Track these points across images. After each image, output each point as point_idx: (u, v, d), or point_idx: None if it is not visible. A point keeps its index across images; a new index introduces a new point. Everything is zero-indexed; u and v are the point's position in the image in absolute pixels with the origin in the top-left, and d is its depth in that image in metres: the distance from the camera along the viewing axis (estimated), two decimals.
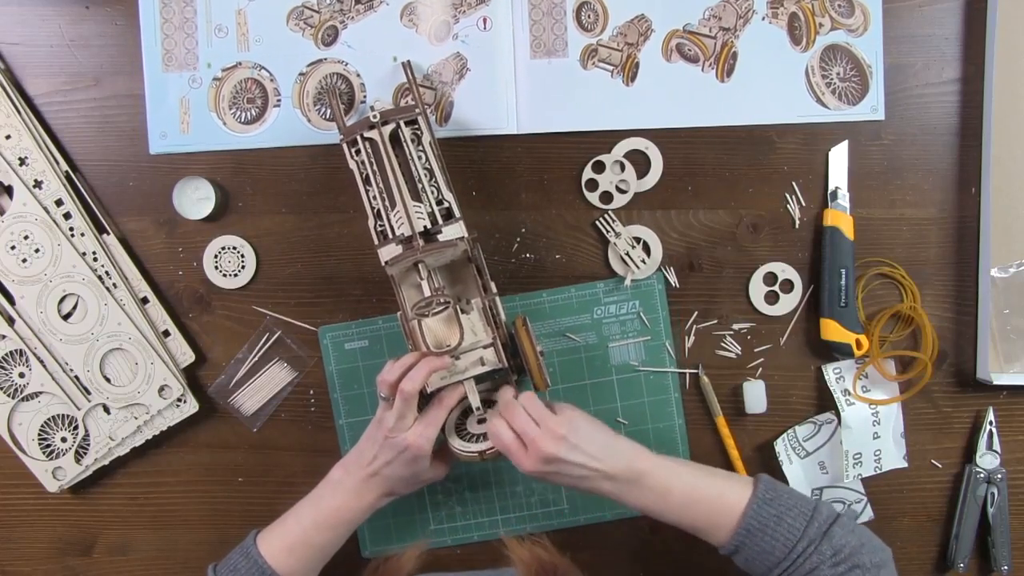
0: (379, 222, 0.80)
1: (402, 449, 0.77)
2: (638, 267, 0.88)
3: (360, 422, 0.90)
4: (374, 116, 0.79)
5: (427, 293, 0.78)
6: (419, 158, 0.80)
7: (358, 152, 0.80)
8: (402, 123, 0.79)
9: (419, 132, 0.80)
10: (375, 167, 0.80)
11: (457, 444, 0.80)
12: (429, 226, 0.78)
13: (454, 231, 0.79)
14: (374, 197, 0.80)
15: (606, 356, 0.89)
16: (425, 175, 0.80)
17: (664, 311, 0.89)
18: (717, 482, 0.76)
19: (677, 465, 0.77)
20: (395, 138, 0.80)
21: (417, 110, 0.80)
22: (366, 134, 0.79)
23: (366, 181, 0.80)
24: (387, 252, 0.79)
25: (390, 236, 0.79)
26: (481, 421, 0.81)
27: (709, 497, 0.75)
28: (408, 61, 0.86)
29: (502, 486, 0.90)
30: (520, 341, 0.79)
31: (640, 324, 0.89)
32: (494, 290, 0.82)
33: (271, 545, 0.79)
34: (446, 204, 0.80)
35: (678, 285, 0.89)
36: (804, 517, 0.72)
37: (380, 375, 0.77)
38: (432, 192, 0.79)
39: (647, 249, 0.88)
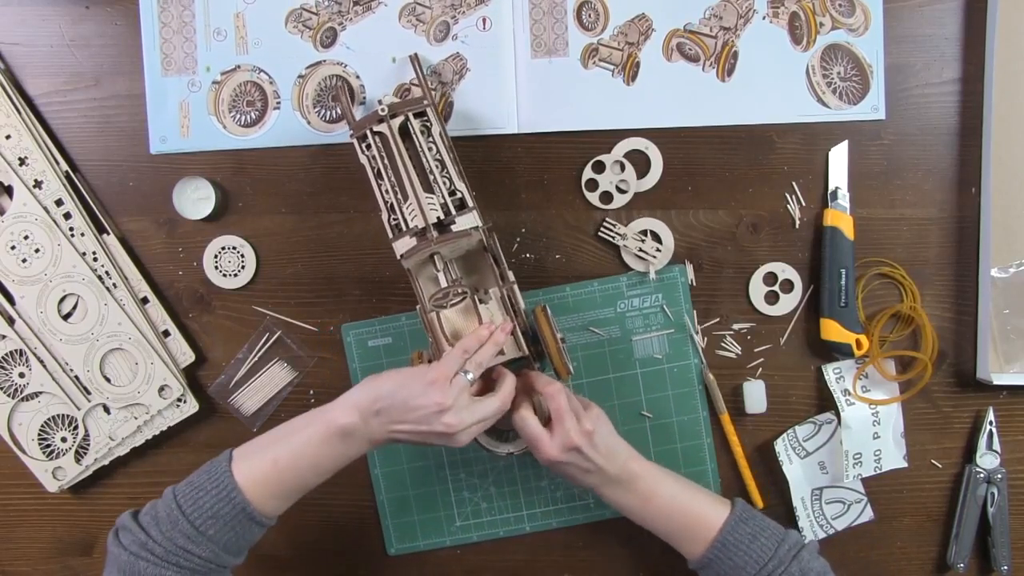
0: (392, 216, 0.79)
1: (447, 437, 0.72)
2: (654, 257, 0.87)
3: None
4: (382, 109, 0.78)
5: (444, 284, 0.78)
6: (429, 150, 0.79)
7: (368, 147, 0.80)
8: (411, 115, 0.79)
9: (428, 124, 0.80)
10: (386, 161, 0.79)
11: (485, 442, 0.81)
12: (442, 217, 0.77)
13: (468, 221, 0.78)
14: (386, 191, 0.79)
15: (630, 350, 0.89)
16: (436, 166, 0.79)
17: (687, 304, 0.89)
18: (698, 496, 0.80)
19: (663, 474, 0.80)
20: (405, 131, 0.80)
21: (425, 102, 0.80)
22: (375, 128, 0.79)
23: (378, 176, 0.80)
24: (402, 245, 0.78)
25: (404, 229, 0.78)
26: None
27: (689, 508, 0.78)
28: (416, 54, 0.86)
29: (527, 481, 0.91)
30: (540, 328, 0.79)
31: (664, 317, 0.89)
32: (512, 278, 0.81)
33: (254, 486, 0.72)
34: (459, 194, 0.79)
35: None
36: (776, 539, 0.75)
37: (467, 344, 0.75)
38: (444, 183, 0.79)
39: (657, 239, 0.88)
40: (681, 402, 0.90)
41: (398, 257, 0.78)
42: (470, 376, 0.74)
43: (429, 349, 0.81)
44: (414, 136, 0.79)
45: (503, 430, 0.82)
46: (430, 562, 0.92)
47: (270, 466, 0.72)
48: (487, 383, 0.78)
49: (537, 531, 0.91)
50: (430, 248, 0.77)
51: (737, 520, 0.76)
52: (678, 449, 0.89)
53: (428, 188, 0.79)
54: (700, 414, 0.90)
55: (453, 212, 0.78)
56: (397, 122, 0.79)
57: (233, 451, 0.74)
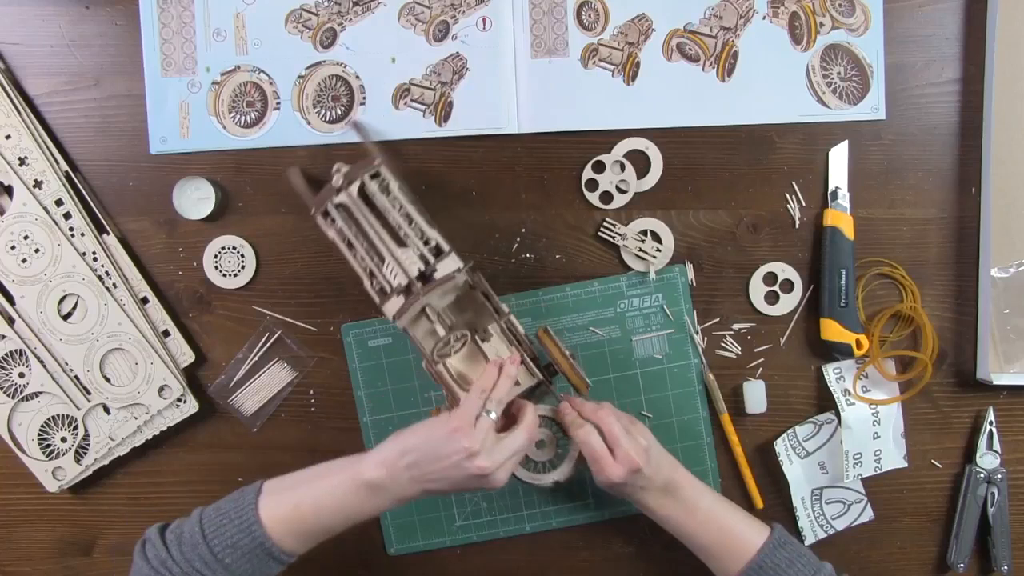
0: (374, 281, 0.79)
1: (482, 479, 0.72)
2: (654, 257, 0.88)
3: (384, 419, 0.90)
4: (337, 181, 0.78)
5: (442, 334, 0.77)
6: (393, 206, 0.79)
7: (333, 221, 0.80)
8: (366, 178, 0.79)
9: (385, 181, 0.80)
10: (354, 229, 0.79)
11: (525, 476, 0.81)
12: (423, 268, 0.78)
13: (449, 265, 0.78)
14: (361, 258, 0.80)
15: (630, 350, 0.90)
16: (404, 221, 0.79)
17: (688, 304, 0.89)
18: (738, 515, 0.80)
19: (706, 488, 0.80)
20: (364, 195, 0.80)
21: (377, 161, 0.80)
22: (335, 200, 0.79)
23: (349, 247, 0.80)
24: (391, 307, 0.78)
25: (388, 291, 0.78)
26: (538, 445, 0.81)
27: (729, 525, 0.78)
28: (355, 121, 0.87)
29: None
30: (548, 350, 0.80)
31: (664, 317, 0.89)
32: (506, 309, 0.81)
33: (276, 523, 0.72)
34: (433, 242, 0.79)
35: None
36: (812, 567, 0.76)
37: (483, 384, 0.75)
38: (416, 235, 0.79)
39: (657, 238, 0.88)
40: (681, 402, 0.90)
41: (390, 320, 0.78)
42: (493, 415, 0.73)
43: (444, 402, 0.80)
44: (375, 197, 0.79)
45: (539, 461, 0.82)
46: (430, 562, 0.92)
47: (293, 507, 0.73)
48: (508, 419, 0.78)
49: (537, 531, 0.91)
50: (419, 301, 0.76)
51: (776, 544, 0.76)
52: (678, 449, 0.89)
53: (401, 244, 0.79)
54: (700, 414, 0.90)
55: (432, 260, 0.78)
56: (355, 188, 0.79)
57: (264, 484, 0.74)
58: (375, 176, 0.80)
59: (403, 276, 0.77)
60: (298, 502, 0.73)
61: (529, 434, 0.75)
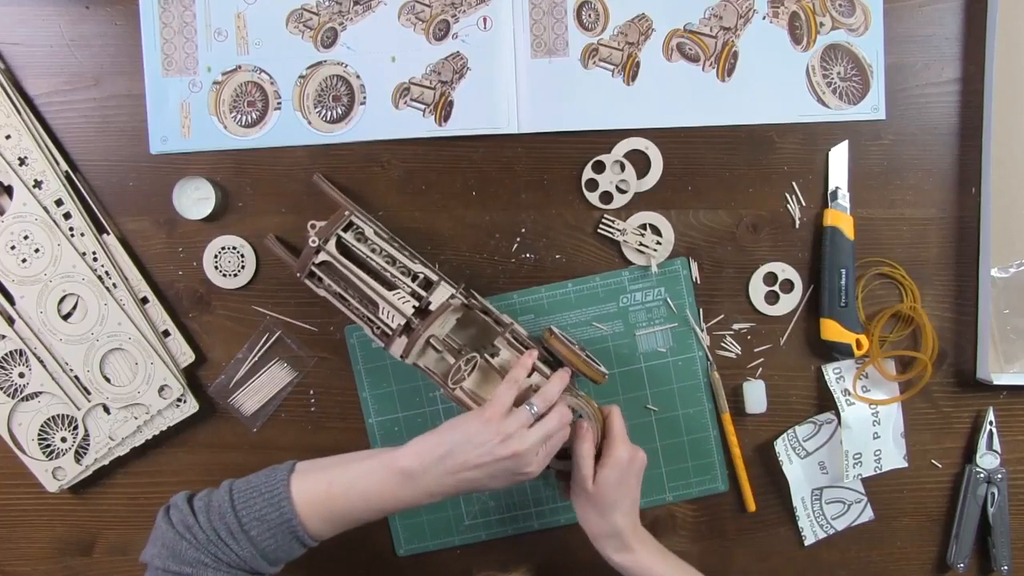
0: (374, 327, 0.81)
1: (516, 459, 0.73)
2: (655, 250, 0.88)
3: (390, 420, 0.90)
4: (313, 241, 0.80)
5: (452, 361, 0.79)
6: (373, 251, 0.81)
7: (320, 280, 0.82)
8: (340, 231, 0.81)
9: (359, 230, 0.82)
10: (342, 283, 0.81)
11: (561, 465, 0.82)
12: (417, 304, 0.79)
13: (442, 294, 0.79)
14: (356, 309, 0.81)
15: (633, 344, 0.90)
16: (387, 262, 0.81)
17: (690, 296, 0.89)
18: None
19: (657, 551, 0.81)
20: (343, 248, 0.81)
21: (346, 212, 0.82)
22: (316, 260, 0.81)
23: (342, 300, 0.82)
24: (397, 348, 0.80)
25: (391, 333, 0.79)
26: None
27: None
28: (318, 175, 0.87)
29: (535, 479, 0.90)
30: (557, 350, 0.81)
31: (667, 311, 0.89)
32: (508, 321, 0.83)
33: (305, 503, 0.72)
34: (421, 276, 0.81)
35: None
36: None
37: (515, 375, 0.76)
38: (402, 274, 0.81)
39: (657, 232, 0.88)
40: (686, 395, 0.90)
41: (399, 359, 0.80)
42: (535, 409, 0.75)
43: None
44: (353, 248, 0.81)
45: (568, 448, 0.83)
46: (438, 562, 0.92)
47: (324, 487, 0.73)
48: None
49: (545, 528, 0.91)
50: (422, 337, 0.78)
51: None
52: (685, 442, 0.90)
53: (391, 286, 0.80)
54: (705, 406, 0.90)
55: (423, 295, 0.79)
56: (332, 244, 0.80)
57: (297, 463, 0.75)
58: (348, 227, 0.82)
59: (400, 317, 0.79)
60: (330, 482, 0.73)
61: (561, 417, 0.76)
